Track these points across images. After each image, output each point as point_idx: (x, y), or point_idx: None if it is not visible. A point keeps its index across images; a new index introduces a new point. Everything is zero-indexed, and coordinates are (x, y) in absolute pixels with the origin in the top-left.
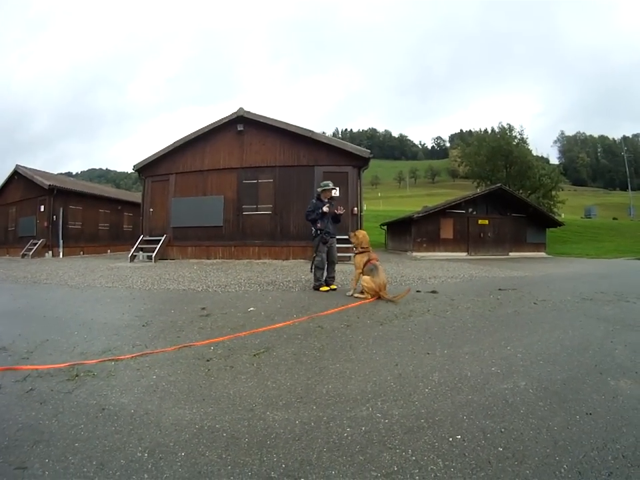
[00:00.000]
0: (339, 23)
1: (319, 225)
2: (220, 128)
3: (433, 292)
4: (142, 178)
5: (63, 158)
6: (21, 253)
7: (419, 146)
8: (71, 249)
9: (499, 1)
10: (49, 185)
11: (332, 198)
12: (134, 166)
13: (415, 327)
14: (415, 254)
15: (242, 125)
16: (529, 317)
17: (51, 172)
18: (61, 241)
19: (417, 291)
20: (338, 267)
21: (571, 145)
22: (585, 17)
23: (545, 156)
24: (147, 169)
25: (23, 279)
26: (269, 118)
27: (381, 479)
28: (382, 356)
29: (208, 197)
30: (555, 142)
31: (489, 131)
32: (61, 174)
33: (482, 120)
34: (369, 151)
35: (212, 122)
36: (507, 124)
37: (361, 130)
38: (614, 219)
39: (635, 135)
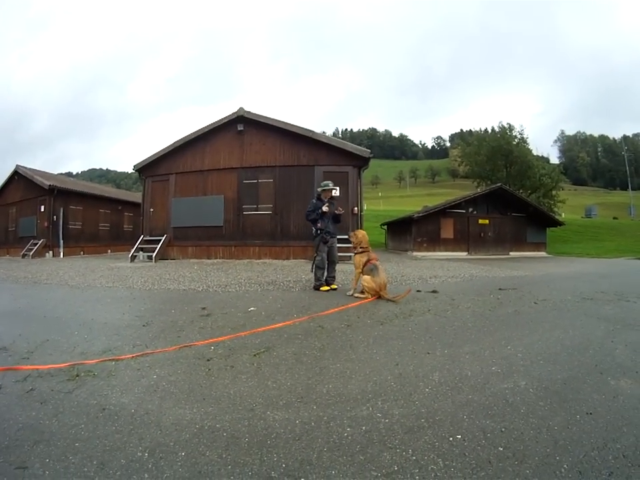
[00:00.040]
0: (339, 22)
1: (319, 224)
2: (220, 128)
3: (434, 291)
4: (142, 178)
5: (63, 158)
6: (21, 253)
7: (419, 146)
8: (71, 249)
9: (499, 1)
10: (49, 185)
11: (332, 198)
12: (134, 166)
13: (416, 327)
14: (415, 254)
15: (242, 124)
16: (529, 316)
17: (51, 172)
18: (61, 241)
19: (418, 291)
20: (338, 267)
21: (571, 145)
22: (585, 17)
23: (545, 155)
24: (147, 168)
25: (24, 279)
26: (269, 118)
27: (382, 479)
28: (382, 356)
29: (208, 197)
30: (555, 141)
31: (489, 131)
32: (61, 174)
33: (482, 120)
34: (369, 150)
35: (212, 122)
36: (507, 123)
37: (361, 130)
38: (614, 218)
39: (635, 135)
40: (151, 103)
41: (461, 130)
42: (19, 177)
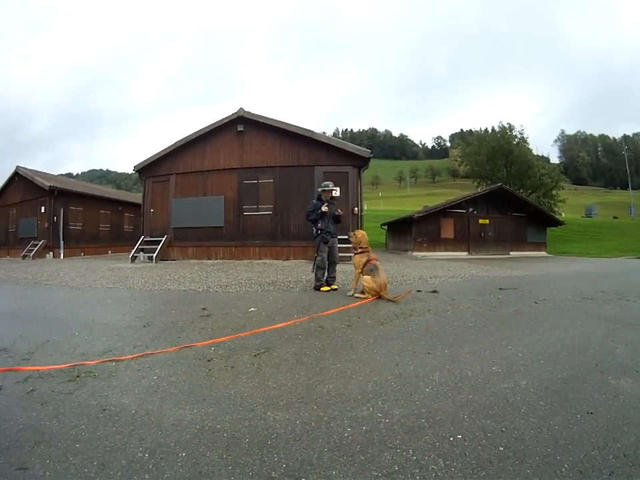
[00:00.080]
0: (339, 22)
1: (319, 224)
2: (220, 128)
3: (434, 291)
4: (142, 179)
5: (63, 158)
6: (22, 254)
7: (420, 146)
8: (72, 249)
9: (499, 1)
10: (50, 186)
11: (333, 198)
12: (134, 166)
13: (416, 327)
14: (415, 254)
15: (242, 125)
16: (529, 316)
17: (51, 173)
18: (61, 242)
19: (418, 291)
20: (339, 267)
21: (571, 144)
22: (585, 17)
23: (545, 155)
24: (147, 169)
25: (24, 280)
26: (269, 118)
27: (382, 479)
28: (383, 356)
29: (208, 198)
30: (555, 141)
31: (489, 131)
32: (62, 175)
33: (482, 119)
34: (369, 150)
35: (212, 122)
36: (507, 123)
37: (361, 130)
38: (614, 217)
39: (636, 134)
40: (151, 103)
41: (461, 130)
42: (19, 177)
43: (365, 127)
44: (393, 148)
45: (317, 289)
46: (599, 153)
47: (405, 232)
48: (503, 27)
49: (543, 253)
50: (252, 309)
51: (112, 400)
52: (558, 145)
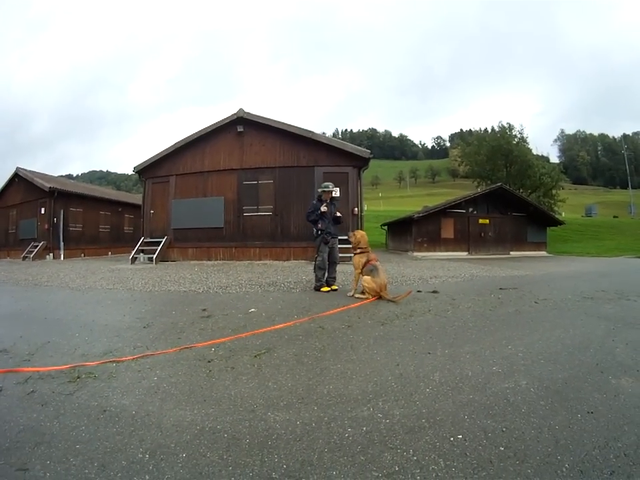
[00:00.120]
0: (340, 23)
1: (320, 225)
2: (220, 129)
3: (434, 292)
4: (142, 180)
5: (63, 160)
6: (22, 256)
7: (419, 146)
8: (72, 251)
9: (499, 1)
10: (50, 187)
11: (333, 198)
12: (134, 167)
13: (416, 327)
14: (415, 254)
15: (242, 125)
16: (529, 316)
17: (51, 174)
18: (61, 243)
19: (418, 291)
20: (339, 267)
21: (571, 144)
22: (585, 17)
23: (545, 155)
24: (147, 170)
25: (24, 281)
26: (268, 119)
27: (383, 479)
28: (383, 356)
29: (208, 198)
30: (555, 141)
31: (489, 131)
32: (62, 176)
33: (482, 119)
34: (369, 151)
35: (212, 123)
36: (507, 123)
37: (361, 130)
38: (614, 217)
39: (635, 133)
40: (151, 104)
41: (461, 130)
42: (19, 179)
43: (365, 127)
44: (393, 148)
45: (317, 289)
46: (599, 153)
47: (405, 232)
48: (502, 27)
49: (543, 253)
50: (252, 310)
51: (112, 401)
52: (558, 144)
